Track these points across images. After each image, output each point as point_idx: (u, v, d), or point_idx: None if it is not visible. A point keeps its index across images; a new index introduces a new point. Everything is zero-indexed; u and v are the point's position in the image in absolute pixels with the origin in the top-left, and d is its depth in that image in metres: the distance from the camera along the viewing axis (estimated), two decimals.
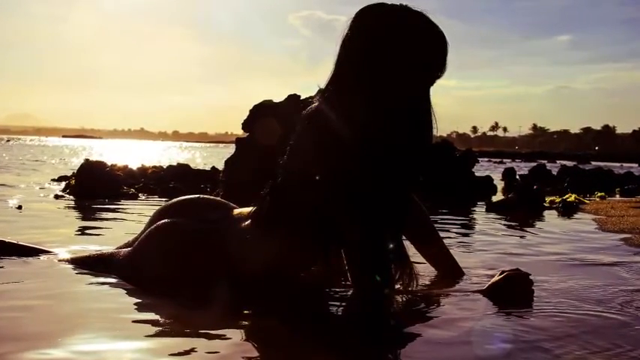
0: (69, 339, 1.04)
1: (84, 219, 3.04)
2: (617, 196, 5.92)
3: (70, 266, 1.61)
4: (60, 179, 5.24)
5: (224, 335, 1.11)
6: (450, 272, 1.63)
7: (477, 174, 5.68)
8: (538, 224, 3.20)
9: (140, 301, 1.36)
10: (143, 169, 5.56)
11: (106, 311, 1.26)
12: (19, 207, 3.09)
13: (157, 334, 1.11)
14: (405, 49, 1.35)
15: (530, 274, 1.41)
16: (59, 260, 1.67)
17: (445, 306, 1.34)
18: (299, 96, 4.17)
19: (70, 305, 1.31)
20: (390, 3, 1.37)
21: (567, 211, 3.85)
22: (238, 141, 4.46)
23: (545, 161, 16.31)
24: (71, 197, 3.87)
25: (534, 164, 9.77)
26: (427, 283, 1.54)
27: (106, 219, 2.91)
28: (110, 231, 2.48)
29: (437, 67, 1.39)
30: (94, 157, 5.38)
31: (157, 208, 1.70)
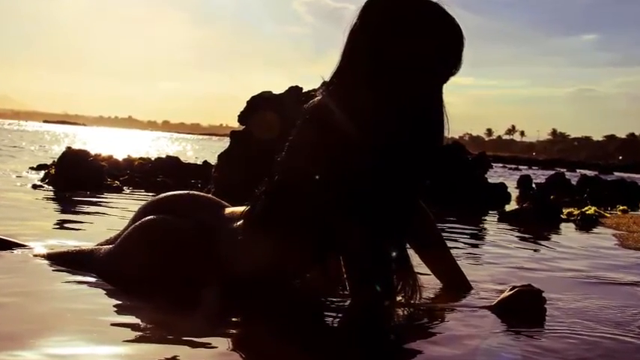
0: (42, 341, 1.04)
1: (63, 212, 3.04)
2: None
3: (46, 262, 1.61)
4: (39, 168, 5.26)
5: (209, 343, 1.11)
6: (456, 285, 1.63)
7: (490, 180, 5.68)
8: (554, 237, 3.20)
9: (120, 302, 1.36)
10: (129, 161, 5.59)
11: (83, 312, 1.26)
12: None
13: (136, 339, 1.11)
14: (417, 42, 1.34)
15: (543, 291, 1.41)
16: (35, 255, 1.67)
17: (450, 322, 1.34)
18: (301, 88, 4.17)
19: (44, 304, 1.31)
20: None
21: (586, 224, 3.85)
22: (233, 134, 4.46)
23: (564, 170, 16.34)
24: (50, 187, 3.89)
25: (552, 172, 9.77)
26: (431, 296, 1.54)
27: (87, 213, 2.91)
28: (91, 226, 2.48)
29: (451, 64, 1.39)
30: (76, 145, 5.40)
31: (143, 203, 1.70)
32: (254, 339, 1.19)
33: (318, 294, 1.48)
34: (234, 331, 1.23)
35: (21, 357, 0.96)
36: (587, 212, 4.12)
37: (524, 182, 7.60)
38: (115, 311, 1.30)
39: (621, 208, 5.18)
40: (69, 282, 1.46)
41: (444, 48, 1.37)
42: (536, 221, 3.69)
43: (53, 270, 1.56)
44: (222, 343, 1.13)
